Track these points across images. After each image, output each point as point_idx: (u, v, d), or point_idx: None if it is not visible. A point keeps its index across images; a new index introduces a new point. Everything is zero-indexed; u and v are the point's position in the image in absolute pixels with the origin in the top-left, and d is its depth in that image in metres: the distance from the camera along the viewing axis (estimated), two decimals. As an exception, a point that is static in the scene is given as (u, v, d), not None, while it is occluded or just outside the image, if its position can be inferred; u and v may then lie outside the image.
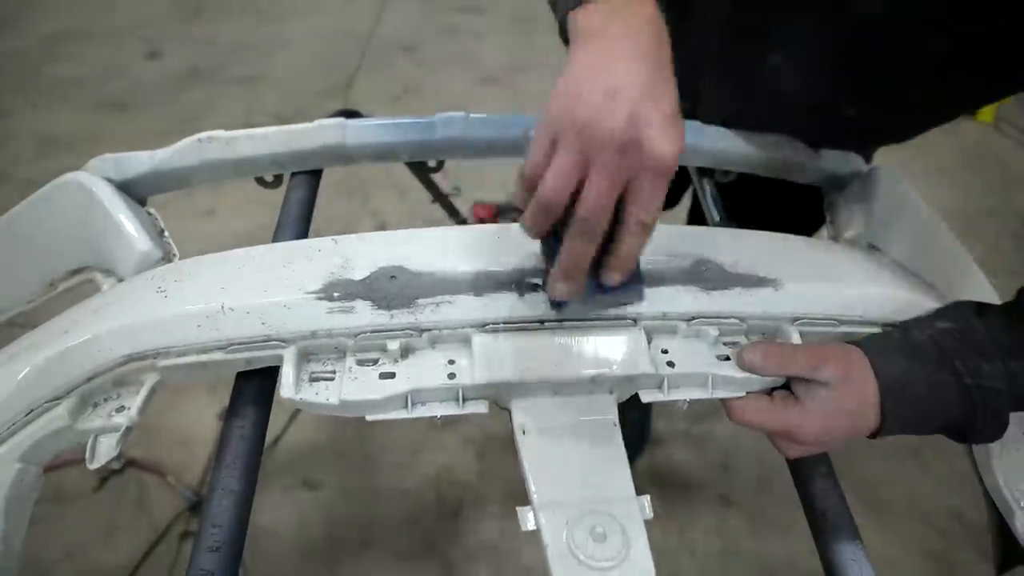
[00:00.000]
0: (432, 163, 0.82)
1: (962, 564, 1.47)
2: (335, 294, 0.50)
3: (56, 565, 1.35)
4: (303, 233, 0.70)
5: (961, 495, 1.54)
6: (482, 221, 1.91)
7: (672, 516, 1.51)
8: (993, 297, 0.78)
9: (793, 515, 0.54)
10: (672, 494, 1.56)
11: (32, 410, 0.47)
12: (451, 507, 1.52)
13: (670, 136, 0.43)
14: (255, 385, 0.52)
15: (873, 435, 0.53)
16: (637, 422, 1.63)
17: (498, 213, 2.01)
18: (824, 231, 0.85)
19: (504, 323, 0.52)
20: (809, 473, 0.53)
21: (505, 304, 0.52)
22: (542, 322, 0.52)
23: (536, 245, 0.51)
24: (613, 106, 0.42)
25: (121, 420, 0.47)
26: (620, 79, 0.43)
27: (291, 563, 1.41)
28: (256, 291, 0.50)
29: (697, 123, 0.80)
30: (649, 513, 0.46)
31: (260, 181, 0.76)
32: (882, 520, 1.53)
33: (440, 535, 1.47)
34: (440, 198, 1.13)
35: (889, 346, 0.54)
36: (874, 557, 0.47)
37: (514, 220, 0.50)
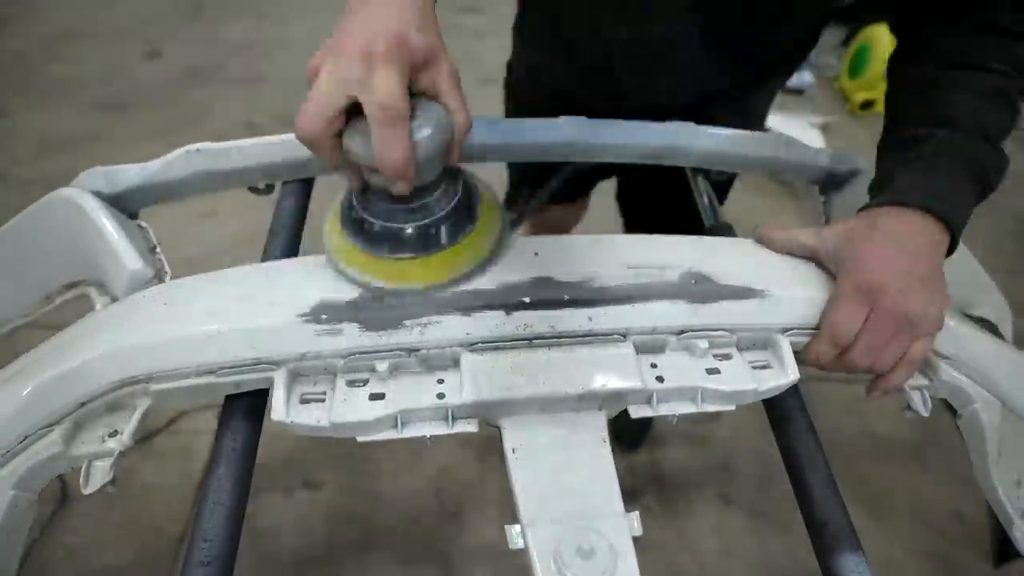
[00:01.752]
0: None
1: (962, 564, 1.47)
2: (323, 316, 0.50)
3: (56, 565, 1.36)
4: (295, 241, 0.69)
5: (961, 495, 1.54)
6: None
7: (672, 516, 1.51)
8: (999, 298, 0.78)
9: (793, 515, 0.54)
10: (672, 494, 1.56)
11: (26, 437, 0.47)
12: (451, 508, 1.52)
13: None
14: (246, 397, 0.52)
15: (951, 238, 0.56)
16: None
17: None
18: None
19: (492, 341, 0.52)
20: (810, 482, 0.53)
21: (493, 322, 0.51)
22: (530, 340, 0.52)
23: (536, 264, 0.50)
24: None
25: (114, 445, 0.47)
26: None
27: (291, 563, 1.42)
28: (244, 314, 0.50)
29: (693, 124, 0.79)
30: (638, 530, 0.45)
31: (253, 189, 0.76)
32: (882, 520, 1.53)
33: (440, 536, 1.48)
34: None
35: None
36: (874, 558, 0.47)
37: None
